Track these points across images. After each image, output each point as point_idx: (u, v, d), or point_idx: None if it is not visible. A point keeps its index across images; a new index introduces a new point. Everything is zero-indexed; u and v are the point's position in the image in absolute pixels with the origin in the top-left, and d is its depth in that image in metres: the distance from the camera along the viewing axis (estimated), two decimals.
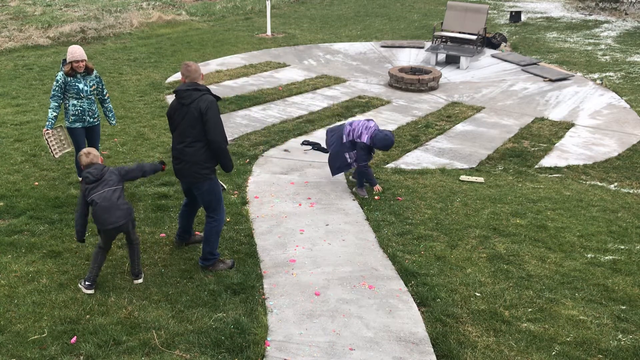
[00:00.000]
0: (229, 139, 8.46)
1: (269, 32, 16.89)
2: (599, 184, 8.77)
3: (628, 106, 11.94)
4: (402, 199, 7.57)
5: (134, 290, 5.51)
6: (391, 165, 8.92)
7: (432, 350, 4.87)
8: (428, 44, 15.89)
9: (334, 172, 7.79)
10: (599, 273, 6.12)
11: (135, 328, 4.97)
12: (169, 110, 5.68)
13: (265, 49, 15.26)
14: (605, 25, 19.29)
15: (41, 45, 14.84)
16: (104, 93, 7.37)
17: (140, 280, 5.65)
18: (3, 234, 6.40)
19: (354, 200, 7.54)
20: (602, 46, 16.57)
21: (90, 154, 5.61)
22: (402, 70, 13.18)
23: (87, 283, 5.46)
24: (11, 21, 17.22)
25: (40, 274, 5.69)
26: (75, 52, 6.95)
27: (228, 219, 6.83)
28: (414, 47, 15.91)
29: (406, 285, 5.74)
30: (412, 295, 5.57)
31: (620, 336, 5.13)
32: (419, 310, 5.38)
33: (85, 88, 7.09)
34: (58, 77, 7.01)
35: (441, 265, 6.10)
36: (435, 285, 5.71)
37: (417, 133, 10.22)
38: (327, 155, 9.05)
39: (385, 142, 7.38)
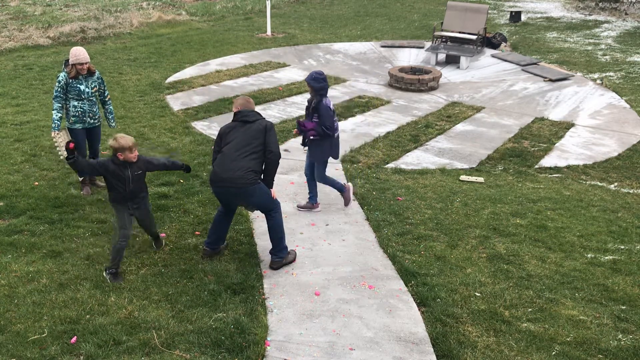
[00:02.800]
0: None
1: (269, 32, 16.89)
2: (599, 184, 8.77)
3: (628, 106, 11.94)
4: (402, 199, 7.57)
5: (134, 290, 5.51)
6: (391, 165, 8.92)
7: (432, 350, 4.87)
8: (428, 44, 15.89)
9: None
10: (599, 273, 6.12)
11: (135, 328, 4.97)
12: (223, 129, 5.91)
13: (265, 49, 15.26)
14: (605, 25, 19.29)
15: (41, 45, 14.84)
16: (105, 94, 7.35)
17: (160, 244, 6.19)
18: (3, 234, 6.40)
19: (354, 200, 7.53)
20: (602, 46, 16.57)
21: (118, 140, 5.56)
22: (402, 70, 13.18)
23: (111, 271, 5.66)
24: (11, 21, 17.22)
25: (40, 274, 5.69)
26: (80, 54, 6.92)
27: None
28: (414, 47, 15.91)
29: (406, 285, 5.74)
30: (412, 295, 5.57)
31: (620, 336, 5.13)
32: (419, 310, 5.38)
33: (87, 90, 7.08)
34: (60, 78, 6.98)
35: (441, 265, 6.10)
36: (435, 285, 5.71)
37: (417, 133, 10.22)
38: None
39: None
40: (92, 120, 7.25)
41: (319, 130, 6.82)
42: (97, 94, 7.25)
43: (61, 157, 7.24)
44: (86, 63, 6.95)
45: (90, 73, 7.09)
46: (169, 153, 8.71)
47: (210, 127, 9.96)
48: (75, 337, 4.82)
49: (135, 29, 16.86)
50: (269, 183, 5.90)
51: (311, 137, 6.88)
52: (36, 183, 7.62)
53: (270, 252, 6.03)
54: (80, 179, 7.42)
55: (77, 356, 4.63)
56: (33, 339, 4.81)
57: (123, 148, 5.51)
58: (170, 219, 6.87)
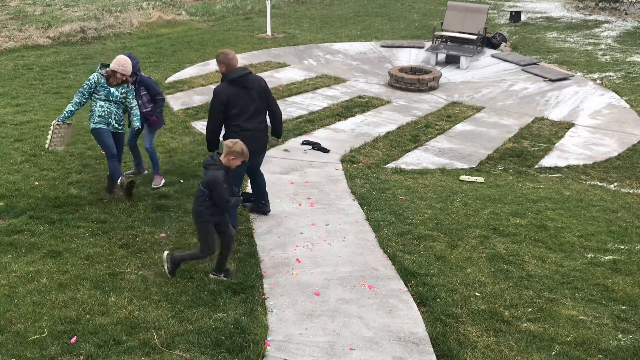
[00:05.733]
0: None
1: (269, 32, 16.89)
2: (599, 184, 8.77)
3: (628, 106, 11.94)
4: (403, 198, 7.57)
5: (134, 290, 5.51)
6: (391, 165, 8.92)
7: (432, 350, 4.87)
8: (428, 44, 15.88)
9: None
10: (599, 273, 6.13)
11: (135, 328, 4.97)
12: (224, 99, 6.14)
13: (265, 49, 15.26)
14: (605, 25, 19.29)
15: (41, 45, 14.83)
16: (132, 102, 7.22)
17: (213, 276, 5.72)
18: (3, 234, 6.40)
19: (354, 200, 7.54)
20: (602, 46, 16.57)
21: (236, 144, 5.38)
22: (402, 70, 13.17)
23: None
24: (11, 21, 17.21)
25: (40, 274, 5.69)
26: (128, 66, 6.96)
27: None
28: (414, 47, 15.91)
29: (406, 285, 5.74)
30: (412, 295, 5.57)
31: (620, 336, 5.14)
32: (419, 310, 5.38)
33: (116, 93, 7.07)
34: (91, 77, 7.01)
35: (441, 265, 6.10)
36: (435, 285, 5.72)
37: (417, 133, 10.22)
38: (326, 153, 9.06)
39: None
40: (118, 125, 7.17)
41: (157, 110, 7.57)
42: (124, 99, 7.18)
43: (47, 147, 7.17)
44: (130, 75, 7.02)
45: (125, 81, 7.11)
46: (169, 153, 8.71)
47: None
48: (75, 337, 4.82)
49: (135, 29, 16.86)
50: (280, 132, 6.73)
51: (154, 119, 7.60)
52: (36, 183, 7.62)
53: (261, 201, 6.95)
54: (118, 182, 7.11)
55: (77, 356, 4.64)
56: (33, 339, 4.81)
57: (237, 153, 5.32)
58: (170, 219, 6.88)
